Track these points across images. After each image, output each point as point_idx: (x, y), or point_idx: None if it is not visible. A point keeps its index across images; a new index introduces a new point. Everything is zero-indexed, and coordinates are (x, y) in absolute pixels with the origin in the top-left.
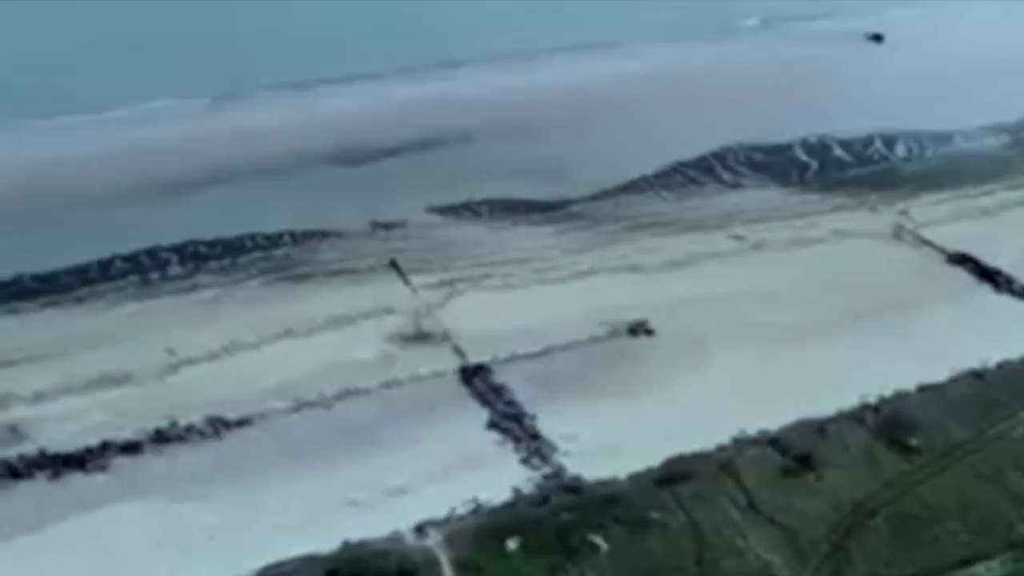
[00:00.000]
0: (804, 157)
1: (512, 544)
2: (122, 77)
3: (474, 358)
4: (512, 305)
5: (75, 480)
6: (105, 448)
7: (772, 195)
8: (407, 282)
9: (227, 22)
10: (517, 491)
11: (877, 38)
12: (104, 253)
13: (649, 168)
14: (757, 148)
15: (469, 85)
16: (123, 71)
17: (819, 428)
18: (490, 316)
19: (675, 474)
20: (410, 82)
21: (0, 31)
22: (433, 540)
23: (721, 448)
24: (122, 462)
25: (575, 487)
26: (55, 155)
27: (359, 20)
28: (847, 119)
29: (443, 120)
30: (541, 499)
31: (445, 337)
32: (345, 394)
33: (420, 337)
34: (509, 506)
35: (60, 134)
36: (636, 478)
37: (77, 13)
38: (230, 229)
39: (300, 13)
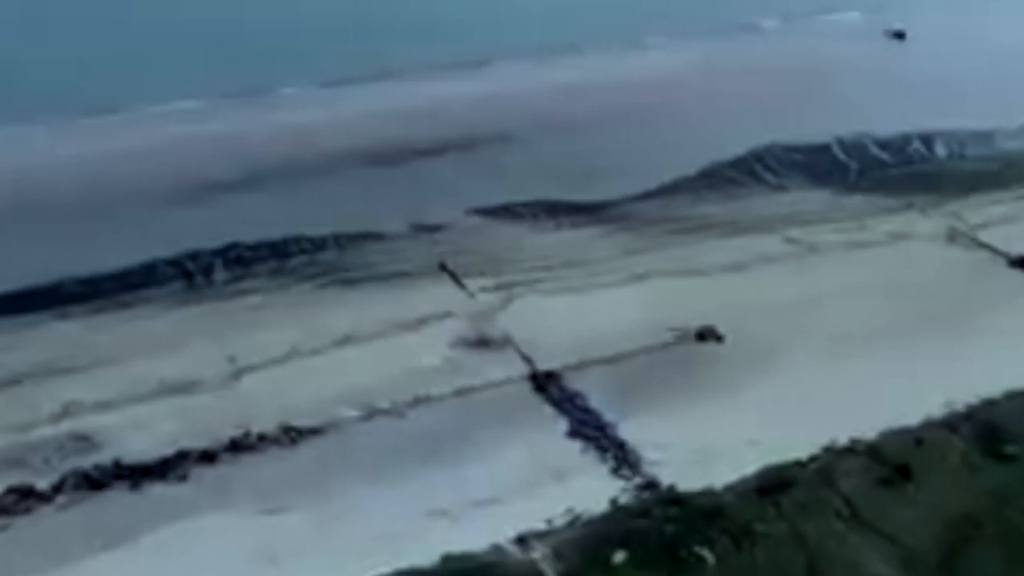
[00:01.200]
0: (843, 157)
1: (619, 557)
2: (146, 75)
3: (543, 364)
4: (572, 309)
5: (156, 491)
6: (182, 458)
7: (818, 197)
8: (462, 286)
9: (254, 18)
10: (614, 502)
11: (899, 35)
12: (145, 256)
13: (688, 169)
14: (794, 148)
15: (498, 83)
16: (148, 69)
17: (915, 438)
18: (551, 321)
19: (775, 484)
20: (439, 80)
21: (30, 30)
22: (539, 553)
23: (813, 457)
24: (201, 472)
25: (676, 498)
26: (81, 155)
27: (388, 15)
28: (879, 118)
29: (475, 119)
30: (642, 510)
31: (508, 342)
32: (417, 401)
33: (483, 342)
34: (608, 518)
35: (85, 134)
36: (734, 488)
37: (107, 10)
38: (270, 232)
39: (329, 8)
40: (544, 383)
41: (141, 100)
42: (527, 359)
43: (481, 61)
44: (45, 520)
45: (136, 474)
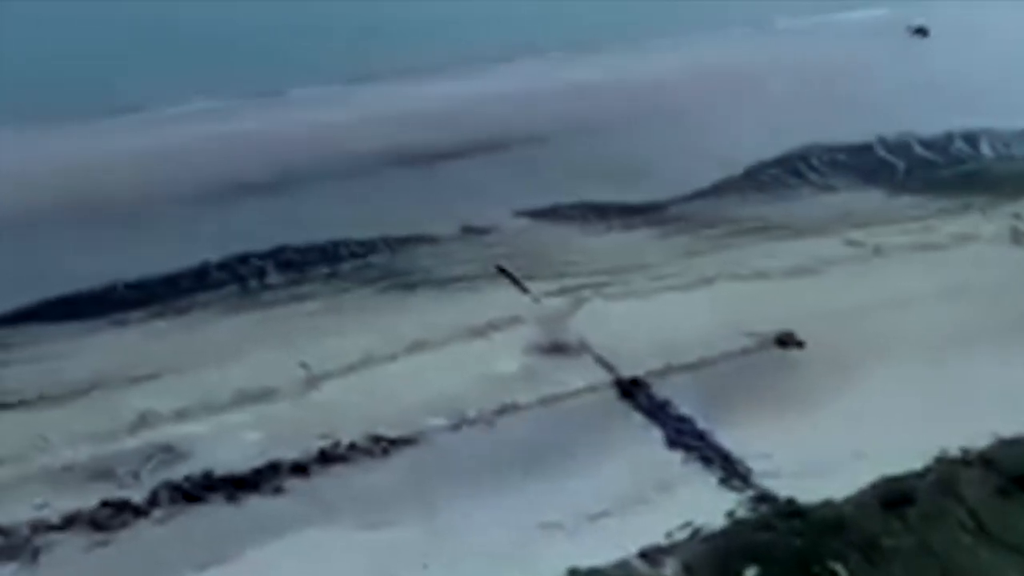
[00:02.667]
0: (888, 157)
1: (751, 573)
2: (166, 74)
3: (625, 371)
4: (643, 314)
5: (253, 504)
6: (274, 469)
7: (870, 197)
8: (524, 290)
9: (272, 16)
10: (731, 515)
11: (922, 32)
12: (192, 259)
13: (731, 169)
14: (837, 148)
15: (522, 82)
16: (167, 67)
17: None
18: (624, 326)
19: (898, 496)
20: (462, 78)
21: (56, 27)
22: (669, 569)
23: (928, 468)
24: (295, 484)
25: (797, 511)
26: (109, 155)
27: (406, 13)
28: (917, 117)
29: (503, 119)
30: (765, 524)
31: (584, 348)
32: (504, 410)
33: (557, 348)
34: (729, 531)
35: (110, 134)
36: (854, 500)
37: (132, 8)
38: (314, 234)
39: (348, 5)
40: (631, 390)
41: (164, 99)
42: (607, 366)
43: (503, 58)
44: (144, 534)
45: (229, 486)
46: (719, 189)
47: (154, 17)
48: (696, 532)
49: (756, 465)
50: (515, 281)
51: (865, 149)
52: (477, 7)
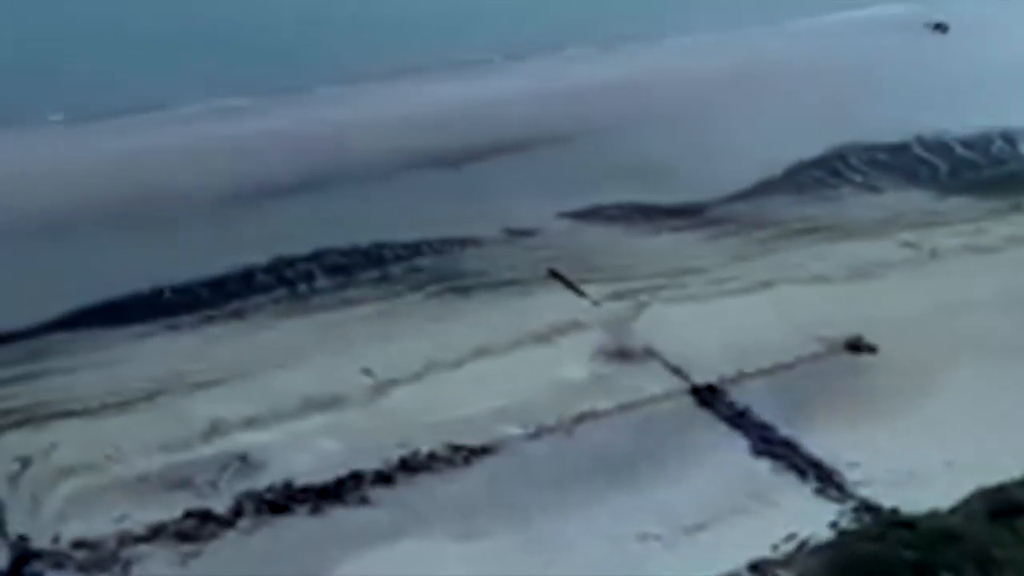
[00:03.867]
0: (928, 156)
1: None
2: (183, 71)
3: (698, 377)
4: (706, 319)
5: (340, 515)
6: (357, 479)
7: (917, 198)
8: (581, 293)
9: (302, 10)
10: (834, 525)
11: (941, 28)
12: (236, 262)
13: (768, 169)
14: (874, 147)
15: (543, 80)
16: (184, 65)
17: None
18: (689, 331)
19: (1005, 506)
20: (485, 76)
21: (82, 24)
22: None
23: None
24: (380, 494)
25: (904, 521)
26: (130, 154)
27: (436, 8)
28: (948, 115)
29: (527, 118)
30: (874, 535)
31: (651, 354)
32: (581, 418)
33: (623, 354)
34: (837, 543)
35: (128, 132)
36: (961, 511)
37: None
38: (357, 236)
39: (364, 3)
40: (708, 398)
41: (187, 97)
42: (678, 372)
43: (525, 56)
44: (233, 546)
45: (313, 497)
46: (760, 190)
47: (177, 14)
48: (803, 544)
49: (849, 474)
50: (570, 285)
51: (903, 149)
52: (500, 4)
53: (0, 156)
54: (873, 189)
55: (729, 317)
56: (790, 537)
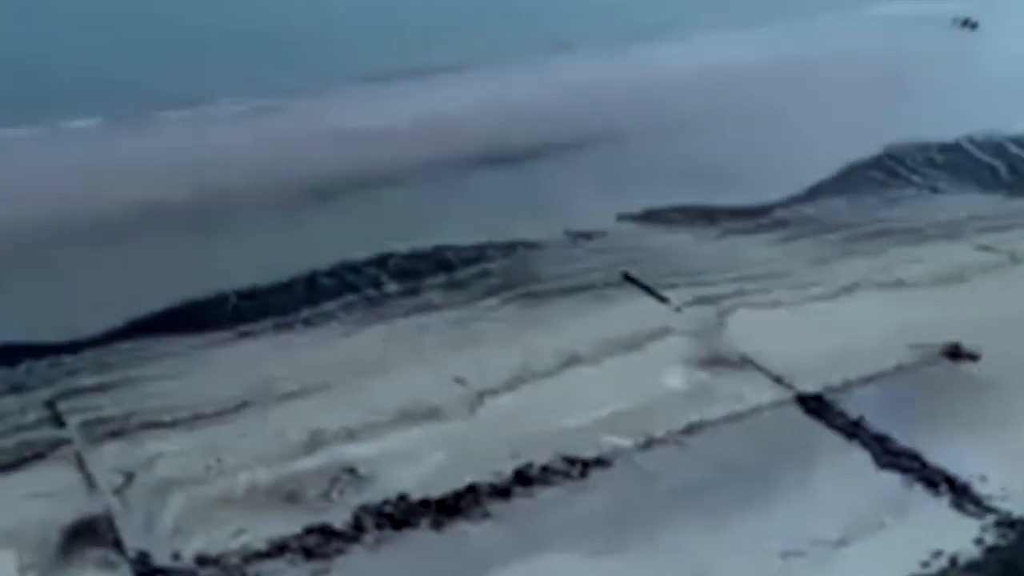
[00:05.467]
0: (984, 156)
1: None
2: (212, 70)
3: (801, 386)
4: (796, 325)
5: (463, 529)
6: (473, 492)
7: (982, 200)
8: (661, 299)
9: (341, 6)
10: (980, 542)
11: (969, 24)
12: (297, 267)
13: (823, 169)
14: (927, 147)
15: (583, 76)
16: (211, 62)
17: None
18: (780, 337)
19: None
20: (526, 72)
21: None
22: None
23: None
24: (499, 508)
25: None
26: (170, 155)
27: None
28: (993, 113)
29: (573, 117)
30: None
31: (746, 361)
32: (691, 429)
33: (717, 361)
34: (987, 560)
35: (159, 132)
36: None
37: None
38: (417, 240)
39: None
40: (816, 407)
41: (215, 96)
42: (779, 380)
43: (568, 51)
44: (361, 563)
45: (433, 511)
46: (821, 191)
47: (210, 13)
48: (954, 561)
49: (980, 487)
50: (648, 290)
51: (956, 148)
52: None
53: (43, 158)
54: (935, 190)
55: (818, 323)
56: (938, 554)
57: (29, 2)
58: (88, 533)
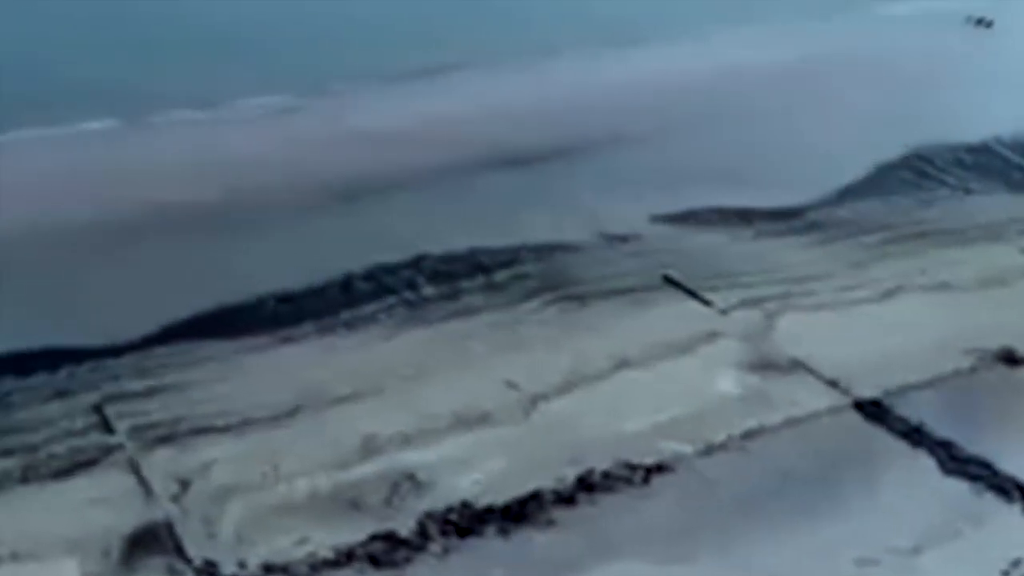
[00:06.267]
0: (1014, 157)
1: None
2: (232, 69)
3: (857, 391)
4: (844, 328)
5: (530, 538)
6: (538, 499)
7: (1018, 202)
8: (705, 302)
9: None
10: None
11: (983, 23)
12: (330, 270)
13: (852, 170)
14: (955, 148)
15: (593, 77)
16: (229, 61)
17: None
18: (830, 341)
19: None
20: (551, 71)
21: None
22: None
23: None
24: (564, 515)
25: None
26: (209, 153)
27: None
28: (1017, 113)
29: (581, 118)
30: None
31: (798, 365)
32: (750, 434)
33: (768, 366)
34: None
35: (181, 132)
36: None
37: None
38: (450, 242)
39: None
40: (875, 413)
41: (231, 95)
42: (834, 384)
43: (583, 49)
44: (432, 572)
45: (499, 518)
46: (853, 192)
47: (227, 11)
48: None
49: None
50: (691, 293)
51: (984, 149)
52: None
53: (66, 159)
54: (969, 192)
55: (866, 326)
56: (1016, 563)
57: (46, 3)
58: (149, 541)
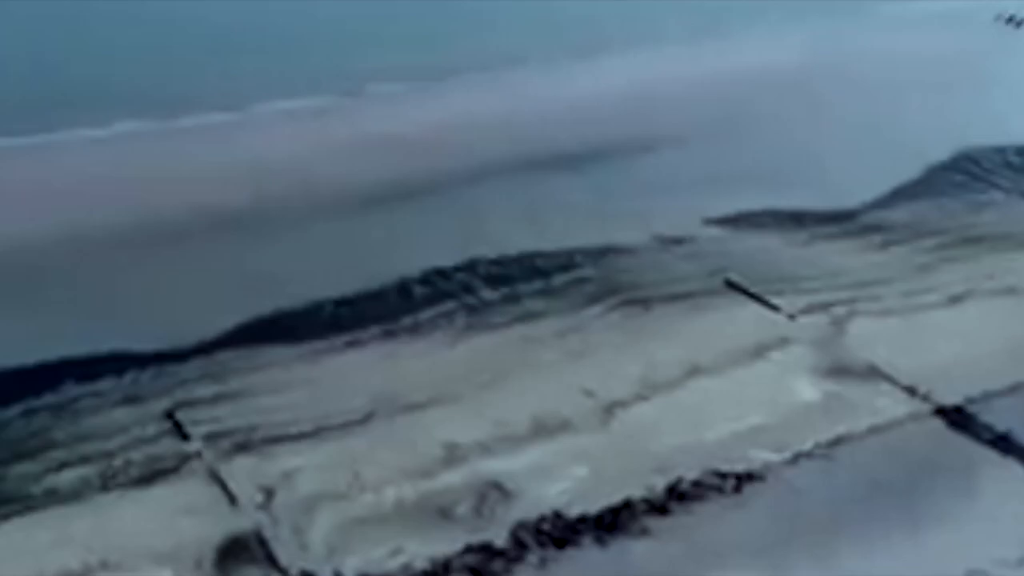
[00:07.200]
0: None
1: None
2: (260, 70)
3: (938, 398)
4: (915, 333)
5: (627, 548)
6: (630, 508)
7: None
8: (772, 307)
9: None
10: None
11: (1015, 21)
12: (386, 274)
13: (901, 172)
14: (1002, 149)
15: (629, 77)
16: (259, 63)
17: None
18: (904, 347)
19: None
20: (593, 72)
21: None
22: None
23: None
24: (657, 524)
25: None
26: (245, 155)
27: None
28: None
29: (644, 116)
30: None
31: (874, 372)
32: (837, 442)
33: (844, 372)
34: None
35: (198, 136)
36: None
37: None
38: (502, 246)
39: None
40: (959, 420)
41: (260, 97)
42: (913, 391)
43: (625, 49)
44: None
45: (592, 528)
46: (906, 195)
47: (253, 11)
48: None
49: None
50: (756, 297)
51: None
52: None
53: (104, 162)
54: (1022, 195)
55: (937, 332)
56: None
57: (78, 6)
58: (241, 551)
